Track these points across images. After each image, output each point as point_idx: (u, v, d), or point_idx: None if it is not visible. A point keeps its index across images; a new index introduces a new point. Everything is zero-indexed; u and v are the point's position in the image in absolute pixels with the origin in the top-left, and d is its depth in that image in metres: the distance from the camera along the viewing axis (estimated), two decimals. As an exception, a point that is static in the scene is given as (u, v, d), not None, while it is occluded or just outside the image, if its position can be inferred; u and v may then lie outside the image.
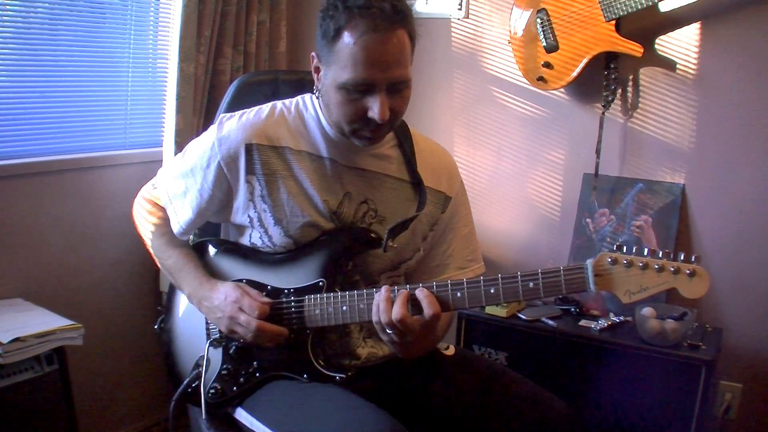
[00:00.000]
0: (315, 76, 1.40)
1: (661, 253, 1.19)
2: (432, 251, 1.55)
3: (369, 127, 1.34)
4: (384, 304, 1.29)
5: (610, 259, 1.21)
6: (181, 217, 1.50)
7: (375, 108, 1.29)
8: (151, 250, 1.58)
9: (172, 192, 1.51)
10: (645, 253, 1.20)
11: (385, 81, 1.29)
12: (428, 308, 1.27)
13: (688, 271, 1.17)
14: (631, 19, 2.15)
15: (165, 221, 1.55)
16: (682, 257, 1.18)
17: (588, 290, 1.22)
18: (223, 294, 1.41)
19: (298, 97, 1.50)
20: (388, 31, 1.26)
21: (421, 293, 1.28)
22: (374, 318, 1.31)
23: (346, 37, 1.27)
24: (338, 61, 1.29)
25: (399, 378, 1.52)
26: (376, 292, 1.33)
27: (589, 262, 1.22)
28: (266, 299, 1.41)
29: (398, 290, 1.30)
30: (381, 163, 1.48)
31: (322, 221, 1.44)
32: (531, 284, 1.24)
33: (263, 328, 1.37)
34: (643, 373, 2.03)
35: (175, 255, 1.52)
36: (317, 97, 1.44)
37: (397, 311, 1.27)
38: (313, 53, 1.38)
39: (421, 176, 1.49)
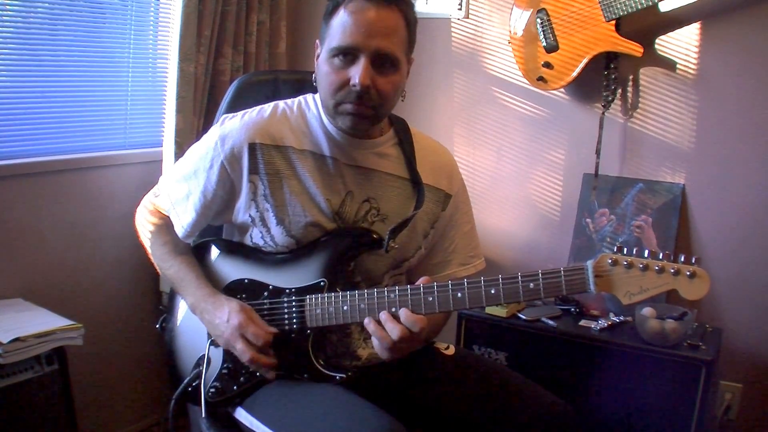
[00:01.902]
0: (315, 63, 1.42)
1: (661, 254, 1.20)
2: (434, 248, 1.56)
3: (350, 99, 1.34)
4: (391, 323, 1.29)
5: (610, 261, 1.21)
6: (184, 220, 1.50)
7: (356, 75, 1.31)
8: (153, 259, 1.58)
9: (174, 197, 1.52)
10: (645, 255, 1.20)
11: (369, 49, 1.31)
12: (414, 326, 1.28)
13: (688, 273, 1.17)
14: (631, 19, 2.15)
15: (166, 229, 1.56)
16: (682, 259, 1.19)
17: (588, 291, 1.22)
18: (226, 315, 1.39)
19: (300, 97, 1.51)
20: (382, 5, 1.32)
21: (403, 314, 1.29)
22: (385, 342, 1.30)
23: (341, 12, 1.33)
24: (331, 34, 1.34)
25: (399, 378, 1.52)
26: (377, 293, 1.33)
27: (590, 263, 1.22)
28: (271, 329, 1.38)
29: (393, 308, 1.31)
30: (382, 162, 1.49)
31: (324, 221, 1.44)
32: (531, 285, 1.24)
33: (257, 360, 1.36)
34: (643, 373, 2.02)
35: (176, 265, 1.51)
36: (314, 83, 1.44)
37: (403, 325, 1.28)
38: (317, 40, 1.41)
39: (421, 174, 1.49)
